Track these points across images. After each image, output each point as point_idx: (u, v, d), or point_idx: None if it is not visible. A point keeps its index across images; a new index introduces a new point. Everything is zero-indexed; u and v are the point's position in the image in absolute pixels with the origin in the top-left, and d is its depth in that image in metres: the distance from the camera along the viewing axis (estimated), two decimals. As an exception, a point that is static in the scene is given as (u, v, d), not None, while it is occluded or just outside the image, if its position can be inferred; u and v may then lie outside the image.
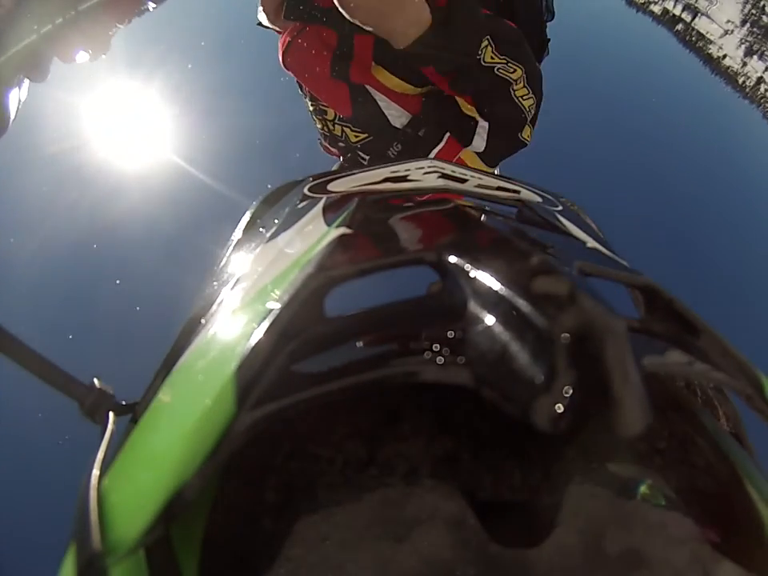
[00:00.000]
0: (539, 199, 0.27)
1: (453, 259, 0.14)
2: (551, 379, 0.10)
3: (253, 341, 0.13)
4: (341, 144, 0.72)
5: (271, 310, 0.13)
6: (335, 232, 0.16)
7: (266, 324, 0.13)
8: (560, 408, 0.10)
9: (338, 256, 0.15)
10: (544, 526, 0.13)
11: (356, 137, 0.68)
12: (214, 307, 0.18)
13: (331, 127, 0.71)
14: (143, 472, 0.13)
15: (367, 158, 0.70)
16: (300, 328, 0.13)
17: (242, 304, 0.16)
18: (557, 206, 0.27)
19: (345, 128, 0.69)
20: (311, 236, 0.18)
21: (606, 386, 0.10)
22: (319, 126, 0.74)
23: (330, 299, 0.14)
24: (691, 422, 0.17)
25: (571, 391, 0.10)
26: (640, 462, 0.16)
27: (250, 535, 0.14)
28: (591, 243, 0.21)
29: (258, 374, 0.12)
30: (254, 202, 0.28)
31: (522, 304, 0.11)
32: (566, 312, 0.10)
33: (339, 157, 0.79)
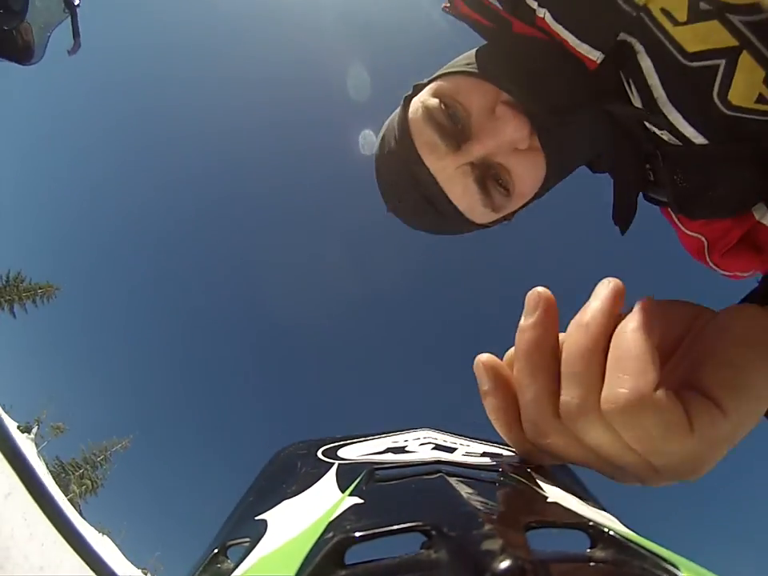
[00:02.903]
0: (518, 458, 0.33)
1: (435, 528, 0.20)
2: None
3: None
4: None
5: (300, 566, 0.18)
6: (349, 500, 0.21)
7: None
8: None
9: (354, 523, 0.20)
10: None
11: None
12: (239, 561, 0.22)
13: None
14: None
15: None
16: None
17: (267, 560, 0.20)
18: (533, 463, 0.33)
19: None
20: (329, 499, 0.22)
21: None
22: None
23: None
24: None
25: None
26: None
27: None
28: (552, 498, 0.26)
29: None
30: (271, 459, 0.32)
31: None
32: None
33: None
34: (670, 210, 0.74)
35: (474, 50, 0.73)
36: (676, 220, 0.74)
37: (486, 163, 0.66)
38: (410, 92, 0.74)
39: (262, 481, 0.30)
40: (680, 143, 0.62)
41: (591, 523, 0.21)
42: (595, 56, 0.62)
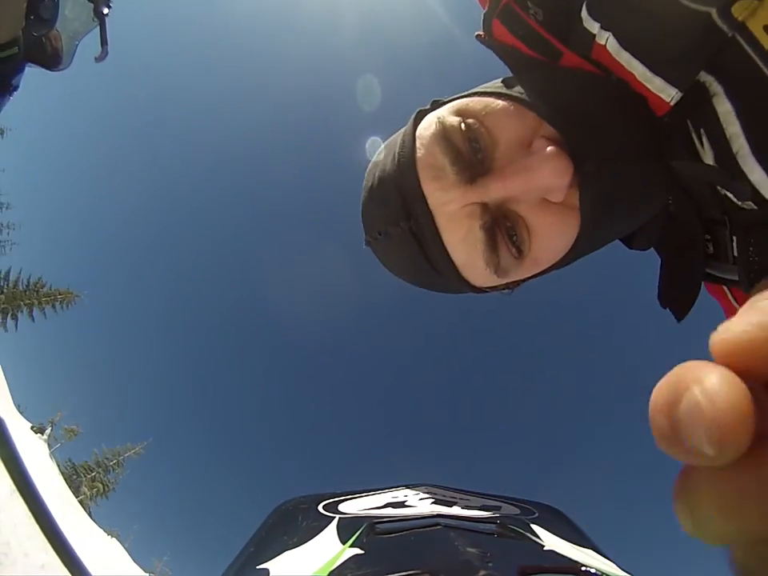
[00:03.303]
0: (517, 511, 0.32)
1: (433, 575, 0.19)
2: None
3: None
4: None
5: None
6: (350, 551, 0.21)
7: None
8: None
9: (355, 571, 0.19)
10: None
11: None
12: None
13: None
14: None
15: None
16: None
17: None
18: (533, 514, 0.32)
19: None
20: (330, 551, 0.21)
21: None
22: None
23: None
24: None
25: None
26: None
27: None
28: (549, 546, 0.25)
29: None
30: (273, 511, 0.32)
31: None
32: None
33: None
34: (726, 287, 0.59)
35: (503, 78, 0.60)
36: (732, 300, 0.59)
37: (501, 210, 0.53)
38: (426, 107, 0.61)
39: (263, 533, 0.30)
40: (755, 207, 0.50)
41: (583, 568, 0.21)
42: (670, 95, 0.49)
